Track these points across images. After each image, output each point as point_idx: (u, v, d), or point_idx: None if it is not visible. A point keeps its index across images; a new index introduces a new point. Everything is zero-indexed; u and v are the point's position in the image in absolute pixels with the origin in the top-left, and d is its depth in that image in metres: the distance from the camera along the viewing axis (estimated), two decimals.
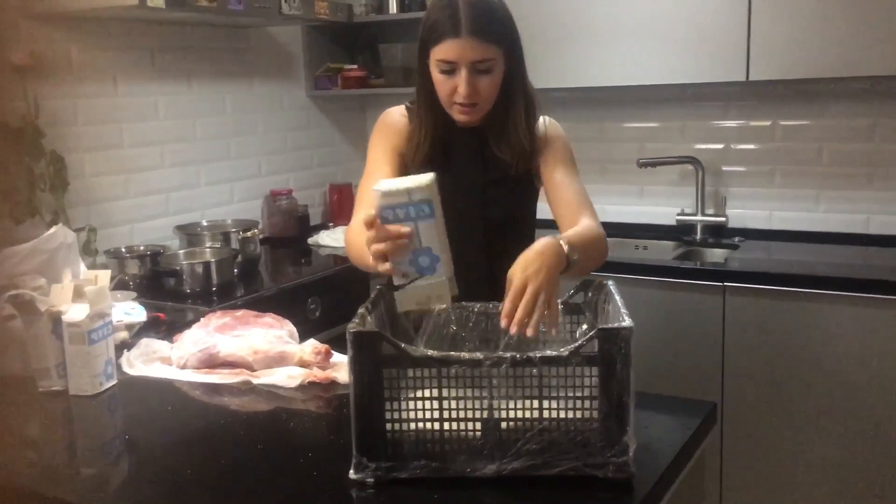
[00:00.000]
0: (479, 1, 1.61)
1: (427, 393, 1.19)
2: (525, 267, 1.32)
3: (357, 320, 1.24)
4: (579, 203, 1.68)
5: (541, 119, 1.77)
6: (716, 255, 3.01)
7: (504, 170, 1.74)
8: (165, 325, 2.10)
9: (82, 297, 1.59)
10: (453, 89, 1.63)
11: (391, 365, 1.18)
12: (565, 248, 1.38)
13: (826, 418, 2.47)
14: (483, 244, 1.77)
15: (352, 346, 1.18)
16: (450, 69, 1.62)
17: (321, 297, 2.66)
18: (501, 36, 1.64)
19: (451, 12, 1.59)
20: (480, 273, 1.74)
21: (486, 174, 1.76)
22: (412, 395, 1.19)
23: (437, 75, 1.65)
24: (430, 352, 1.18)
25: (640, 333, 1.17)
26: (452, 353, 1.20)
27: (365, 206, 1.64)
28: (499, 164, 1.74)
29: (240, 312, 1.83)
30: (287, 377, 1.64)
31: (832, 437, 2.47)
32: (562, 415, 1.17)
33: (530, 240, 1.75)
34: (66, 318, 1.57)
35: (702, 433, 1.41)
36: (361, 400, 1.19)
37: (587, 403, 1.17)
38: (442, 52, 1.61)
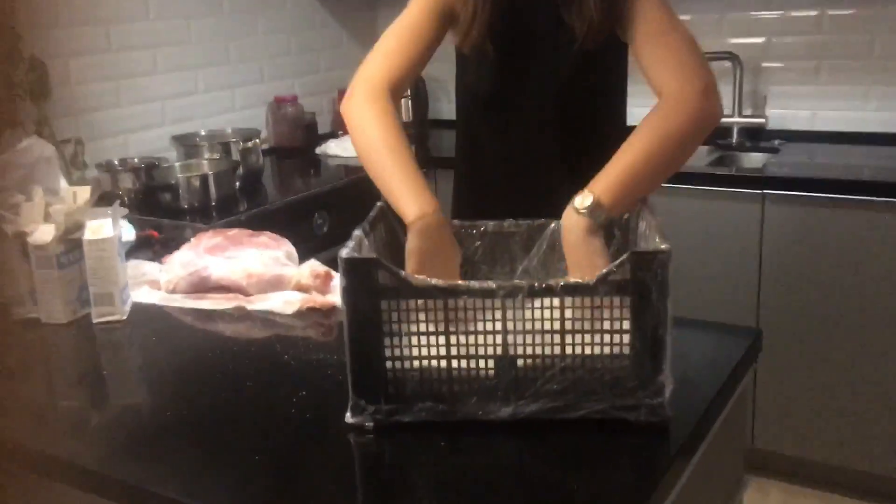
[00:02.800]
0: None
1: (432, 327, 1.04)
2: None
3: (352, 243, 1.09)
4: (665, 56, 1.38)
5: None
6: (753, 159, 2.83)
7: (577, 38, 1.46)
8: (159, 244, 1.97)
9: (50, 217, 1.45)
10: None
11: (390, 296, 1.04)
12: (592, 218, 1.18)
13: (871, 341, 2.32)
14: (558, 125, 1.55)
15: (345, 275, 1.03)
16: None
17: (329, 211, 2.52)
18: None
19: None
20: (553, 166, 1.55)
21: (557, 40, 1.50)
22: (415, 330, 1.05)
23: None
24: (434, 280, 1.03)
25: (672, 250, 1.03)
26: (461, 281, 1.06)
27: (381, 59, 1.41)
28: (573, 31, 1.46)
29: (232, 231, 1.68)
30: (284, 303, 1.52)
31: (878, 364, 2.32)
32: (587, 351, 1.03)
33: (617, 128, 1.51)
34: (31, 239, 1.43)
35: (745, 366, 1.25)
36: (357, 336, 1.05)
37: (617, 338, 1.03)
38: None
